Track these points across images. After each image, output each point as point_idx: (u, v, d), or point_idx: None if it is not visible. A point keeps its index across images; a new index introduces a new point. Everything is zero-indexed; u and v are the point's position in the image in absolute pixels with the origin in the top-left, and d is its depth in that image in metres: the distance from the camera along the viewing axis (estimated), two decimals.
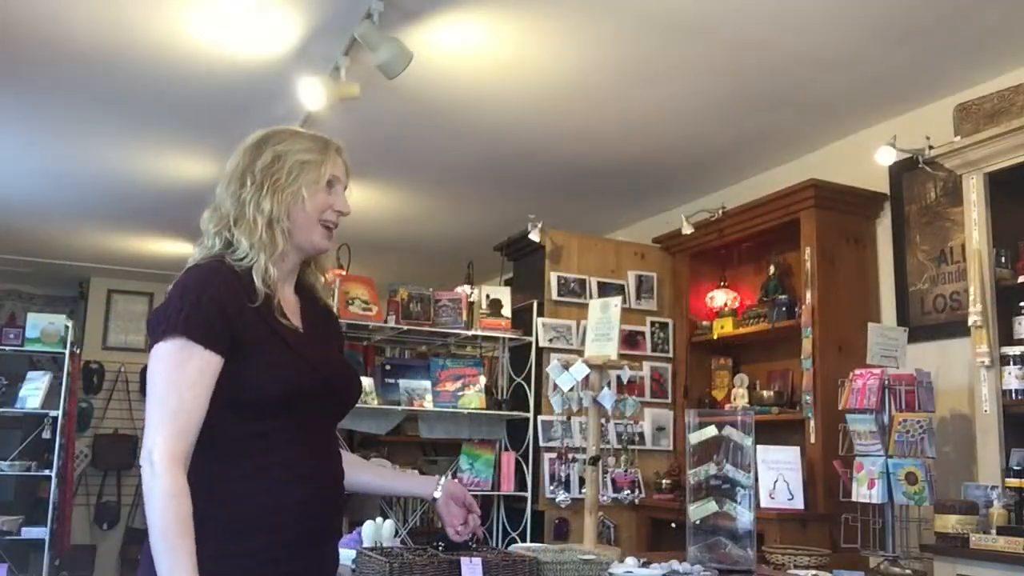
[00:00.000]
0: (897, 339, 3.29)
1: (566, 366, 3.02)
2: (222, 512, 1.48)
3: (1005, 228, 3.04)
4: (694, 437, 2.72)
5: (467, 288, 4.75)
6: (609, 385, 3.03)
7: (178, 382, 1.46)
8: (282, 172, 1.65)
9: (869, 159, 3.74)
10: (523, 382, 4.47)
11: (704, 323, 4.67)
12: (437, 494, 1.83)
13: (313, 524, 1.56)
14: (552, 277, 4.61)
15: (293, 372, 1.56)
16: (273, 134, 1.73)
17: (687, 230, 4.52)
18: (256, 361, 1.52)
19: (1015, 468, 2.80)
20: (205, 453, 1.48)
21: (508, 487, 4.34)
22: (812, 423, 3.68)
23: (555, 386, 3.08)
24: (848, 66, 3.44)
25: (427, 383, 4.48)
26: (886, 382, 3.04)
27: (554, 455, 4.20)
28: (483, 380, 4.47)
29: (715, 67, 3.49)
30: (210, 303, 1.51)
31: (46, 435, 5.42)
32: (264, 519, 1.50)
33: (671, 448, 4.67)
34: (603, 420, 3.12)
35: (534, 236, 4.60)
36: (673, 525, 3.93)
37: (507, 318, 4.53)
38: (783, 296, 4.16)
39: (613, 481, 4.12)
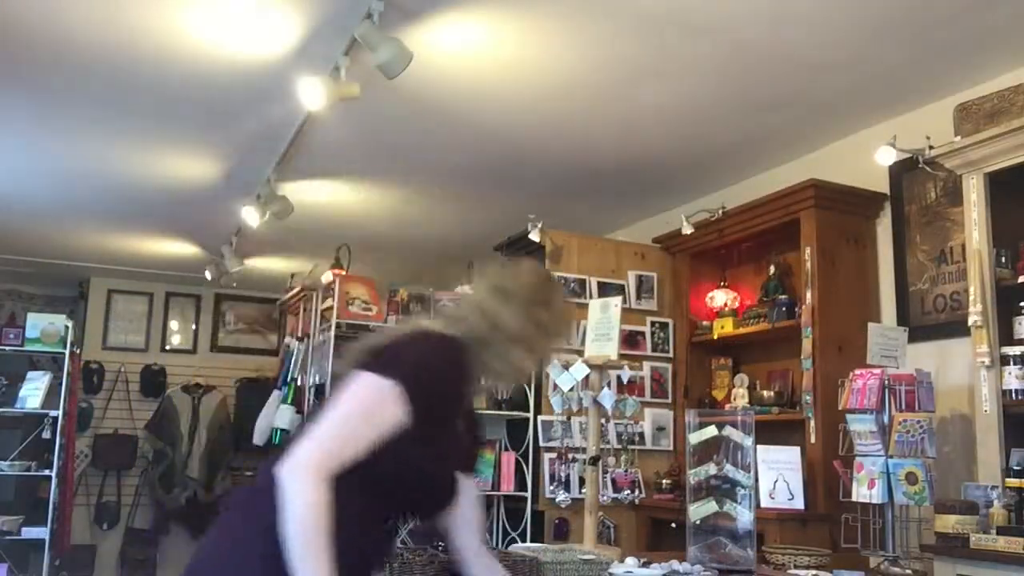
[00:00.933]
0: (897, 339, 3.29)
1: (566, 366, 3.02)
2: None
3: (1005, 228, 3.04)
4: (694, 437, 2.73)
5: (467, 288, 4.75)
6: (609, 385, 3.03)
7: (365, 417, 1.53)
8: (547, 333, 1.81)
9: (869, 159, 3.74)
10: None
11: (704, 323, 4.67)
12: None
13: None
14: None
15: (427, 482, 1.64)
16: (556, 292, 1.91)
17: (687, 230, 4.52)
18: (413, 450, 1.58)
19: (1015, 468, 2.80)
20: None
21: (508, 487, 4.34)
22: (812, 423, 3.68)
23: (555, 386, 3.08)
24: (848, 66, 3.44)
25: None
26: (886, 382, 3.04)
27: (554, 455, 4.20)
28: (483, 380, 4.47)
29: (715, 67, 3.49)
30: (440, 380, 1.62)
31: (46, 435, 5.42)
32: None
33: (671, 448, 4.67)
34: (603, 420, 3.12)
35: (534, 236, 4.60)
36: (673, 525, 3.93)
37: None
38: (783, 296, 4.16)
39: (613, 481, 4.13)
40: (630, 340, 4.64)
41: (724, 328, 4.47)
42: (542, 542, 4.03)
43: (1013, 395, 2.90)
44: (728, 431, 2.69)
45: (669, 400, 4.75)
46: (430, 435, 1.60)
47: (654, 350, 4.77)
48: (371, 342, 1.65)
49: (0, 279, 7.92)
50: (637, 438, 4.46)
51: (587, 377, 2.99)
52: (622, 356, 3.13)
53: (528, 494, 4.33)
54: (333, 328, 4.36)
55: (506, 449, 4.43)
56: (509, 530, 4.36)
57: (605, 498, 3.83)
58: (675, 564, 2.44)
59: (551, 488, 4.06)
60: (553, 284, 1.94)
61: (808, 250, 3.85)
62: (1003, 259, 3.04)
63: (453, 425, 1.71)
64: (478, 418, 1.89)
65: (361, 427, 1.52)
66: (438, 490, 1.69)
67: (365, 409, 1.54)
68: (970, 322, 3.00)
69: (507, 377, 1.79)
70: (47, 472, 5.32)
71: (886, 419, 3.00)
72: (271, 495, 1.47)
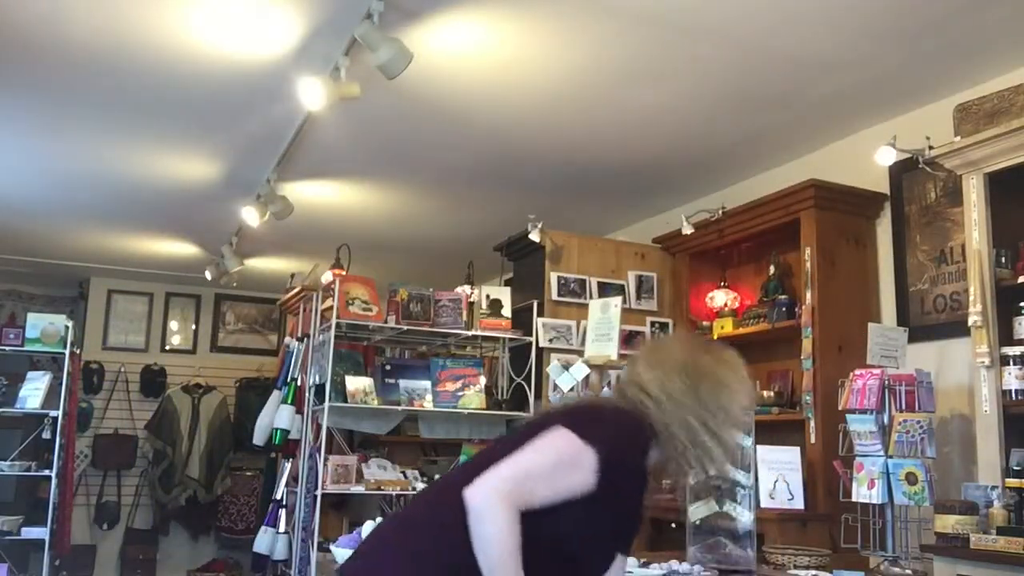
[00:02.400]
0: (897, 339, 3.29)
1: (566, 366, 3.03)
2: None
3: (1005, 228, 3.04)
4: None
5: (467, 288, 4.75)
6: (609, 385, 3.03)
7: (554, 469, 1.54)
8: (727, 425, 1.74)
9: (869, 159, 3.74)
10: (523, 382, 4.47)
11: (704, 323, 4.66)
12: None
13: None
14: (552, 277, 4.61)
15: (574, 558, 1.61)
16: (725, 379, 1.78)
17: (687, 230, 4.52)
18: (578, 521, 1.57)
19: (1015, 468, 2.80)
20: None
21: None
22: (812, 423, 3.68)
23: (555, 386, 3.09)
24: (848, 66, 3.44)
25: (427, 383, 4.48)
26: (886, 382, 3.04)
27: None
28: (483, 380, 4.47)
29: (715, 67, 3.49)
30: (632, 463, 1.62)
31: (46, 435, 5.42)
32: None
33: None
34: None
35: (534, 236, 4.60)
36: (673, 525, 3.93)
37: (507, 318, 4.53)
38: (783, 296, 4.16)
39: None
40: (630, 340, 4.64)
41: (724, 328, 4.47)
42: None
43: (1013, 395, 2.90)
44: None
45: None
46: (601, 515, 1.59)
47: None
48: (570, 403, 1.69)
49: (0, 279, 7.92)
50: None
51: (587, 377, 3.00)
52: (622, 356, 3.13)
53: None
54: (333, 328, 4.36)
55: None
56: None
57: None
58: (675, 564, 2.44)
59: None
60: (738, 360, 1.82)
61: (808, 250, 3.85)
62: (1003, 259, 3.04)
63: (628, 513, 1.68)
64: (646, 505, 1.80)
65: (549, 478, 1.53)
66: (582, 569, 1.66)
67: (559, 463, 1.55)
68: (970, 322, 2.99)
69: (684, 470, 1.73)
70: (47, 472, 5.31)
71: (886, 419, 3.00)
72: (456, 528, 1.49)
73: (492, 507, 1.47)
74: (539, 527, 1.52)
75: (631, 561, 2.44)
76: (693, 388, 1.70)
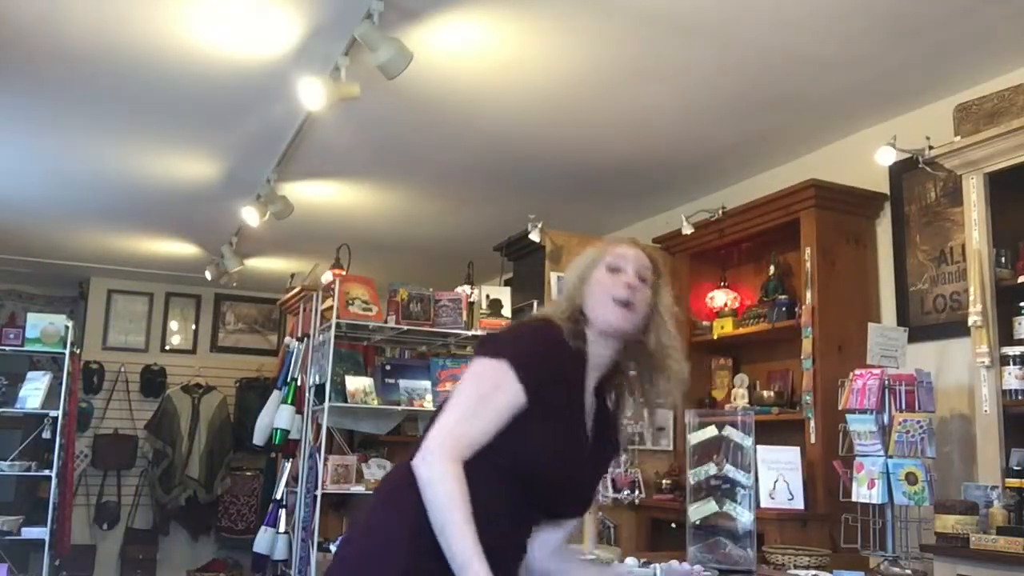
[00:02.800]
0: (897, 339, 3.29)
1: None
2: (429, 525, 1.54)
3: (1005, 228, 3.04)
4: (694, 437, 2.73)
5: (467, 288, 4.75)
6: None
7: (484, 398, 1.58)
8: (577, 268, 1.83)
9: (869, 159, 3.74)
10: None
11: (704, 323, 4.66)
12: None
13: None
14: (552, 277, 4.60)
15: (549, 459, 1.63)
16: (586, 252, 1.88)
17: (687, 230, 4.51)
18: (534, 430, 1.60)
19: (1015, 468, 2.80)
20: None
21: None
22: (812, 423, 3.68)
23: None
24: (848, 66, 3.44)
25: (427, 383, 4.48)
26: (886, 382, 3.04)
27: None
28: None
29: (715, 67, 3.49)
30: (544, 356, 1.64)
31: (46, 435, 5.42)
32: None
33: (671, 448, 4.66)
34: None
35: (534, 236, 4.60)
36: (673, 525, 3.93)
37: (507, 318, 4.53)
38: (783, 296, 4.16)
39: (613, 481, 4.13)
40: None
41: (724, 328, 4.47)
42: None
43: (1013, 395, 2.90)
44: (728, 431, 2.69)
45: None
46: (549, 425, 1.62)
47: None
48: (487, 336, 1.74)
49: (0, 279, 7.92)
50: (637, 438, 4.46)
51: None
52: None
53: None
54: (333, 328, 4.36)
55: None
56: None
57: (605, 498, 3.83)
58: (675, 564, 2.44)
59: None
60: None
61: (808, 250, 3.85)
62: (1003, 259, 3.04)
63: (575, 422, 1.70)
64: (618, 424, 1.85)
65: (483, 409, 1.57)
66: (563, 486, 1.68)
67: (483, 391, 1.59)
68: (970, 322, 2.99)
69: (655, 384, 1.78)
70: (47, 472, 5.31)
71: (886, 419, 3.00)
72: (412, 490, 1.54)
73: (433, 469, 1.51)
74: (501, 458, 1.57)
75: (631, 561, 2.44)
76: (572, 269, 1.83)
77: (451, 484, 1.50)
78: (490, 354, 1.62)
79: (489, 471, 1.57)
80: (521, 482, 1.62)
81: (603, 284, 1.76)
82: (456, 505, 1.49)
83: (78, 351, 6.28)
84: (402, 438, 5.65)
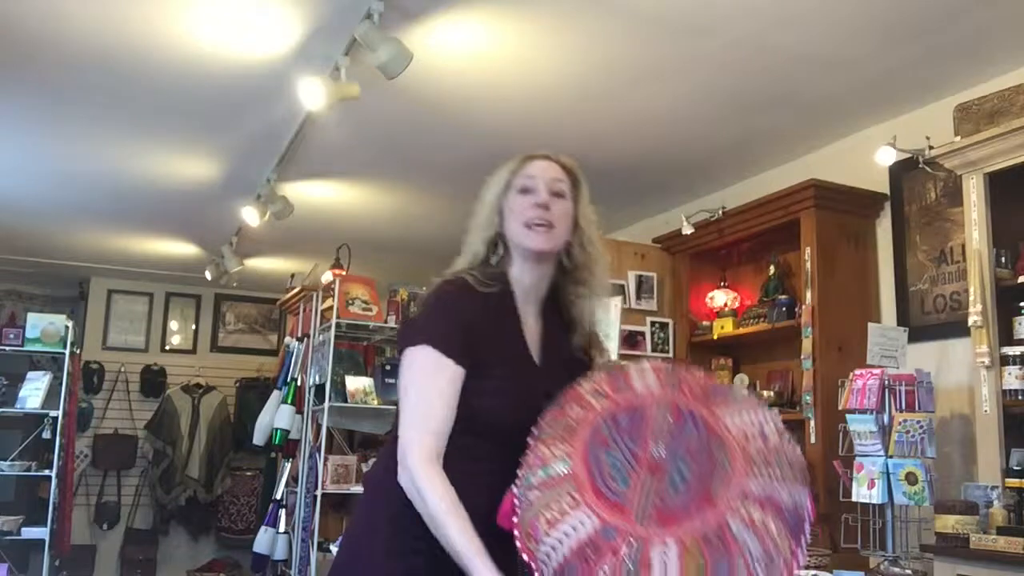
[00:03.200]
0: (897, 339, 3.29)
1: None
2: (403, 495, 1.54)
3: (1005, 228, 3.04)
4: None
5: None
6: None
7: (429, 387, 1.56)
8: (488, 192, 1.85)
9: (869, 159, 3.74)
10: None
11: (704, 323, 4.67)
12: None
13: (498, 532, 1.56)
14: None
15: (509, 405, 1.61)
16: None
17: (687, 230, 4.52)
18: (484, 384, 1.59)
19: (1015, 468, 2.80)
20: None
21: None
22: (812, 423, 3.68)
23: None
24: (848, 66, 3.44)
25: None
26: (886, 382, 3.03)
27: None
28: None
29: (715, 67, 3.49)
30: (456, 319, 1.61)
31: (46, 435, 5.43)
32: None
33: None
34: None
35: None
36: None
37: None
38: (783, 296, 4.16)
39: None
40: (630, 340, 4.64)
41: (724, 328, 4.47)
42: None
43: (1013, 395, 2.90)
44: None
45: None
46: (496, 374, 1.61)
47: (654, 350, 4.77)
48: (402, 328, 1.74)
49: (0, 279, 7.92)
50: None
51: None
52: (622, 356, 3.13)
53: None
54: (333, 328, 4.36)
55: None
56: None
57: None
58: None
59: None
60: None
61: (808, 250, 3.85)
62: (1003, 259, 3.04)
63: (520, 359, 1.68)
64: (580, 338, 1.78)
65: (431, 398, 1.56)
66: (510, 421, 1.61)
67: (422, 382, 1.57)
68: (970, 322, 2.99)
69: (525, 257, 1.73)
70: (47, 472, 5.32)
71: (886, 419, 3.00)
72: (384, 490, 1.57)
73: (415, 480, 1.51)
74: (470, 425, 1.57)
75: None
76: (483, 199, 1.84)
77: (436, 490, 1.49)
78: (411, 343, 1.60)
79: (467, 443, 1.56)
80: (496, 441, 1.59)
81: (516, 211, 1.73)
82: (446, 508, 1.48)
83: (78, 351, 6.29)
84: None
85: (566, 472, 1.46)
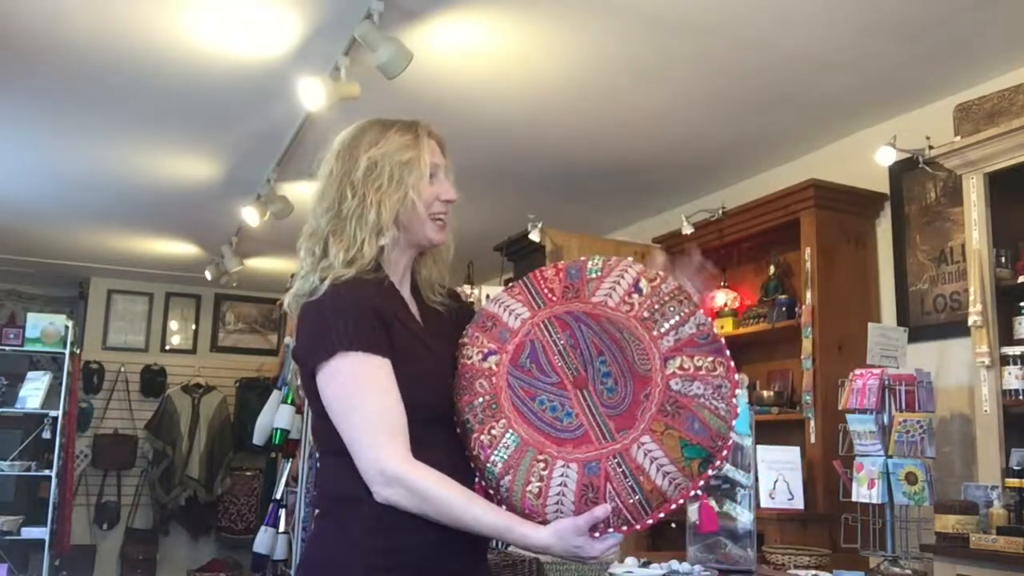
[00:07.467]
0: (897, 339, 3.29)
1: None
2: (375, 508, 1.46)
3: (1005, 228, 3.05)
4: None
5: (467, 288, 4.74)
6: None
7: (370, 391, 1.46)
8: (383, 179, 1.62)
9: (869, 159, 3.74)
10: None
11: None
12: None
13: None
14: None
15: (438, 386, 1.56)
16: (360, 134, 1.69)
17: (687, 230, 4.51)
18: (406, 370, 1.50)
19: (1015, 468, 2.80)
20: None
21: None
22: (812, 423, 3.68)
23: None
24: (848, 66, 3.44)
25: None
26: (886, 382, 3.03)
27: None
28: None
29: (715, 67, 3.49)
30: (367, 313, 1.49)
31: (46, 435, 5.43)
32: (413, 518, 1.46)
33: None
34: None
35: (534, 236, 4.59)
36: (673, 525, 3.92)
37: None
38: (783, 296, 4.16)
39: None
40: None
41: (724, 328, 4.47)
42: None
43: (1013, 395, 2.90)
44: None
45: None
46: (413, 357, 1.53)
47: None
48: (303, 346, 1.54)
49: (0, 279, 7.92)
50: None
51: None
52: None
53: None
54: None
55: None
56: None
57: None
58: (675, 564, 2.43)
59: None
60: (348, 147, 1.70)
61: (808, 250, 3.85)
62: (1003, 259, 3.05)
63: (422, 335, 1.58)
64: (441, 311, 1.69)
65: (376, 399, 1.45)
66: (433, 398, 1.56)
67: (362, 385, 1.46)
68: (970, 322, 3.00)
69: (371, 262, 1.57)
70: (47, 472, 5.32)
71: (886, 419, 3.00)
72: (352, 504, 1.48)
73: (409, 485, 1.42)
74: (417, 414, 1.48)
75: (630, 561, 2.43)
76: (383, 178, 1.65)
77: (437, 483, 1.42)
78: (326, 355, 1.47)
79: (417, 435, 1.47)
80: (442, 424, 1.54)
81: (425, 199, 1.63)
82: (458, 494, 1.43)
83: (78, 351, 6.29)
84: None
85: (519, 443, 1.48)
